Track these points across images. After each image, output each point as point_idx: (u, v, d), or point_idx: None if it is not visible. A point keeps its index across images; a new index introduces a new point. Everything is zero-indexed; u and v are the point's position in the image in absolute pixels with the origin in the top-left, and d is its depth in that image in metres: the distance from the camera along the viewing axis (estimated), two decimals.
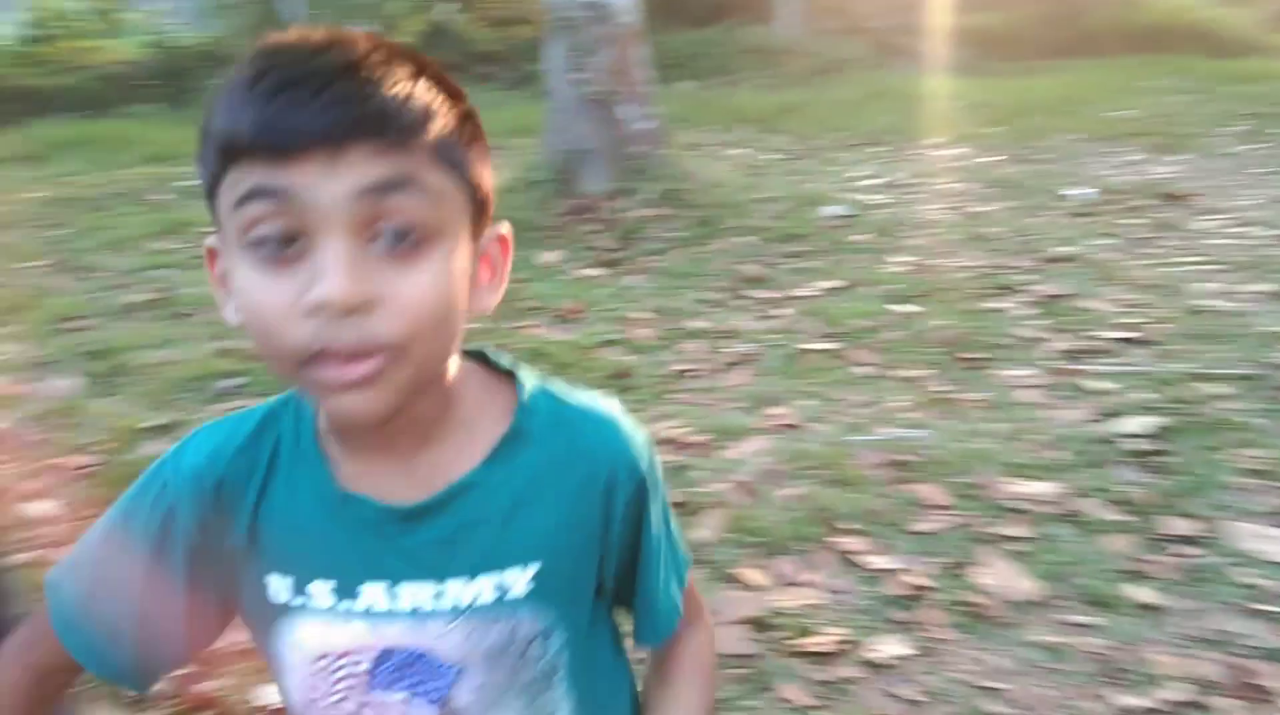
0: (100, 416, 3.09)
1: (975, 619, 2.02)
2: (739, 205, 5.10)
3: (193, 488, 0.72)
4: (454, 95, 0.65)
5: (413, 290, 0.60)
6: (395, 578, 0.71)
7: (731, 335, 3.63)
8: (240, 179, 0.59)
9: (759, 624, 2.02)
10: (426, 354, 0.63)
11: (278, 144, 0.57)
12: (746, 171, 6.19)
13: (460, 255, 0.64)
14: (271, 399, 0.76)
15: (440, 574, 0.71)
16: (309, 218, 0.58)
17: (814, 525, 2.34)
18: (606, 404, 0.78)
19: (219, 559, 0.73)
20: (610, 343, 3.55)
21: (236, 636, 2.00)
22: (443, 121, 0.62)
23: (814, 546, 2.28)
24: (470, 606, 0.71)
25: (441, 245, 0.62)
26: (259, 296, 0.60)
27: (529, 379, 0.77)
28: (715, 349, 3.51)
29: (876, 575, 2.17)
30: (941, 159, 6.65)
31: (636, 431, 0.78)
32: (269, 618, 0.73)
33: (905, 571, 2.17)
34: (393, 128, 0.58)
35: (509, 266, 0.73)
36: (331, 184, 0.57)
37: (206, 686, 1.88)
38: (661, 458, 0.80)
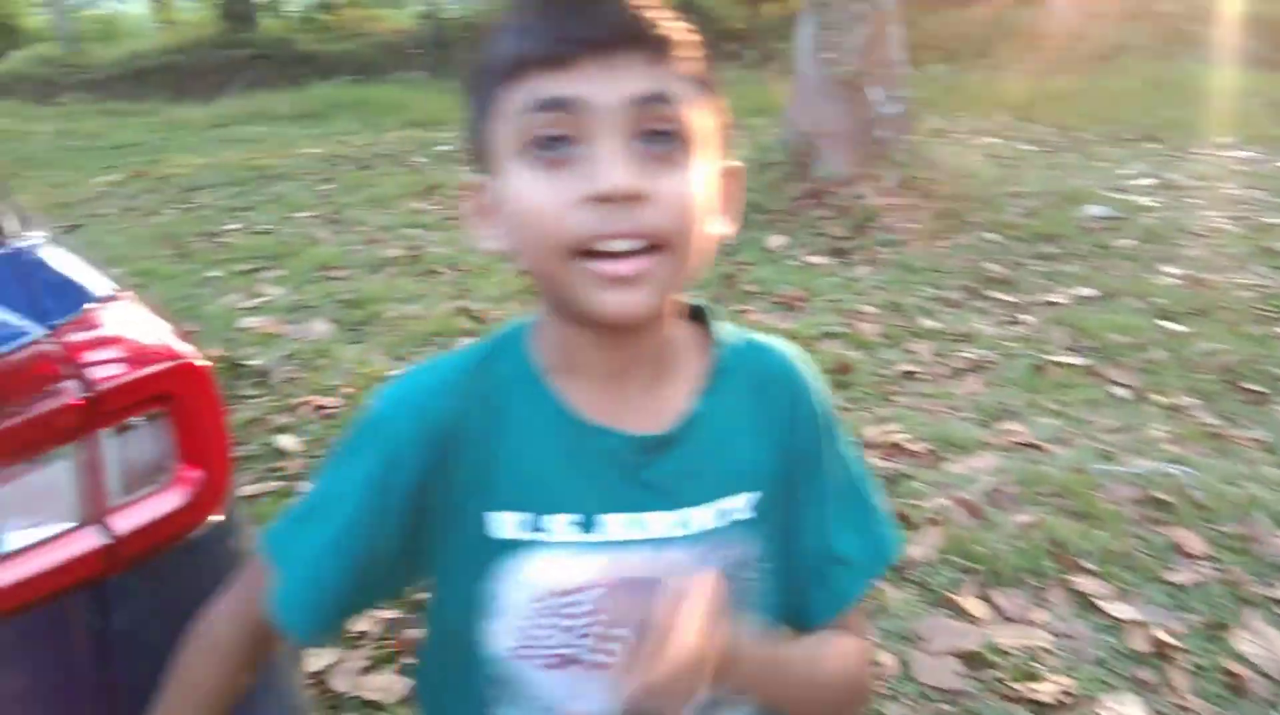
0: (347, 361, 3.31)
1: (1231, 691, 1.76)
2: (988, 198, 4.77)
3: (414, 427, 0.72)
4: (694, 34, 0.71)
5: (678, 187, 0.66)
6: (636, 508, 0.72)
7: (967, 339, 3.39)
8: (523, 91, 0.65)
9: (973, 659, 1.85)
10: (686, 256, 0.68)
11: (561, 54, 0.63)
12: (999, 163, 5.78)
13: (708, 171, 0.69)
14: (479, 341, 0.78)
15: (676, 503, 0.73)
16: (587, 120, 0.64)
17: (1047, 559, 2.12)
18: (786, 345, 0.82)
19: (435, 499, 0.73)
20: (832, 335, 3.41)
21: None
22: (695, 48, 0.69)
23: (1045, 583, 2.07)
24: (703, 532, 0.74)
25: (693, 154, 0.67)
26: (537, 195, 0.65)
27: (714, 314, 0.79)
28: (947, 352, 3.28)
29: (1116, 625, 1.94)
30: (1227, 161, 5.94)
31: (811, 368, 0.81)
32: (486, 557, 0.72)
33: (1151, 625, 1.93)
34: (658, 42, 0.66)
35: (741, 204, 0.75)
36: (609, 90, 0.64)
37: (414, 634, 1.94)
38: (878, 464, 0.75)
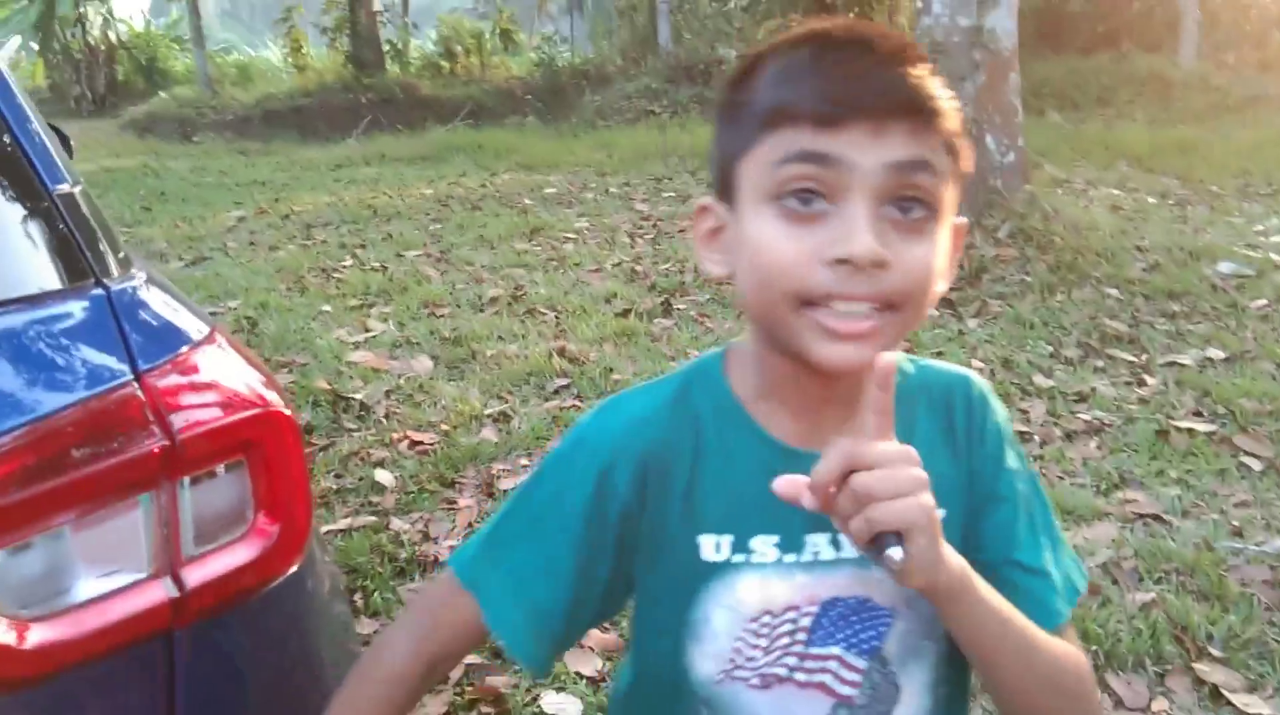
0: (445, 398, 3.35)
1: None
2: (1109, 252, 4.56)
3: (625, 450, 0.74)
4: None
5: (922, 257, 0.68)
6: (835, 530, 0.72)
7: (1083, 399, 3.22)
8: (785, 140, 0.67)
9: None
10: (913, 317, 0.70)
11: (832, 113, 0.65)
12: (1120, 215, 5.54)
13: (945, 236, 0.71)
14: (672, 374, 0.81)
15: None
16: (845, 179, 0.66)
17: (1169, 643, 1.97)
18: (960, 369, 0.83)
19: (643, 524, 0.75)
20: None
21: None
22: (954, 114, 0.69)
23: (1167, 669, 1.91)
24: None
25: (939, 223, 0.70)
26: (780, 244, 0.68)
27: None
28: (1062, 413, 3.12)
29: None
30: None
31: (987, 388, 0.82)
32: (696, 579, 0.75)
33: None
34: (927, 112, 0.67)
35: (959, 257, 0.76)
36: (871, 154, 0.65)
37: (495, 681, 1.92)
38: None
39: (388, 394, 3.40)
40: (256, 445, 0.74)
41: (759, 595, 0.74)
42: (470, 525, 2.54)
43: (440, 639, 0.78)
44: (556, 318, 4.23)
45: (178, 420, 0.69)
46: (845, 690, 0.76)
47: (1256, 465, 2.73)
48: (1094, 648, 1.95)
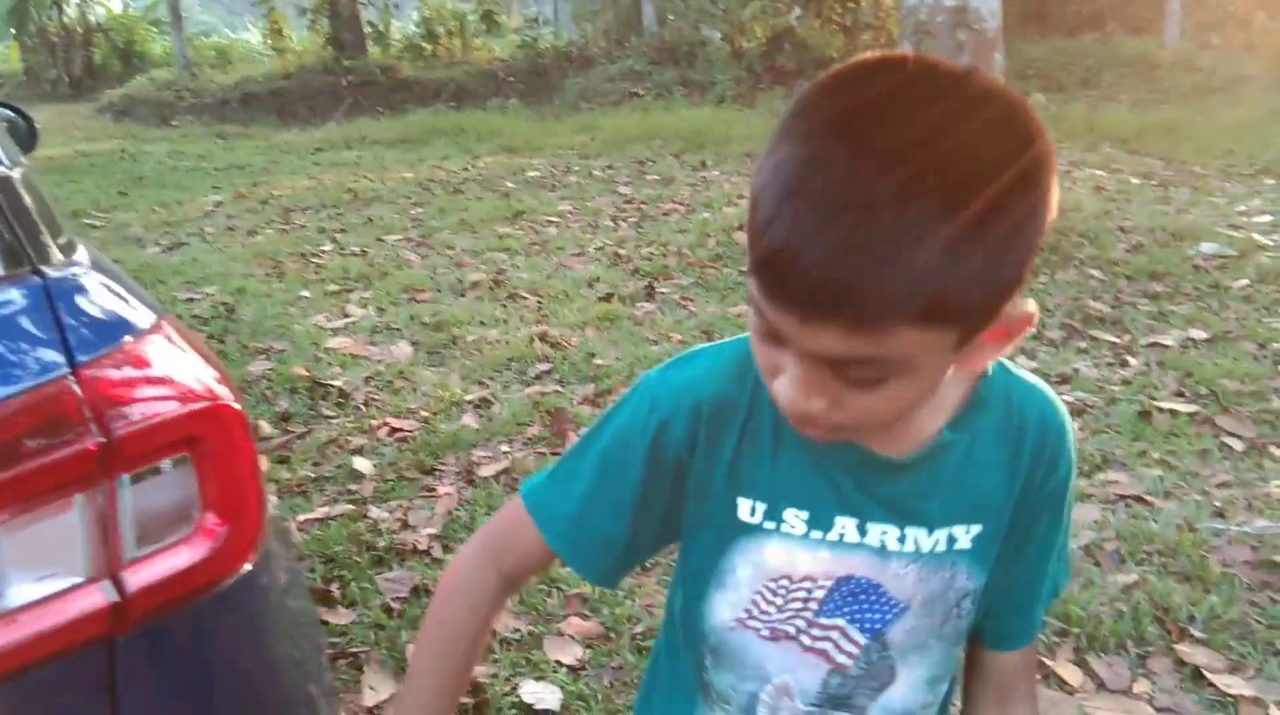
0: (425, 384, 3.31)
1: None
2: (1091, 233, 4.55)
3: (685, 405, 0.77)
4: (1004, 215, 0.58)
5: (867, 406, 0.64)
6: (866, 517, 0.77)
7: (1066, 381, 3.21)
8: (755, 287, 0.62)
9: None
10: (888, 425, 0.70)
11: (768, 287, 0.60)
12: (1104, 196, 5.54)
13: (930, 372, 0.64)
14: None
15: (905, 521, 0.77)
16: (782, 337, 0.62)
17: (1151, 624, 1.97)
18: (1048, 392, 0.81)
19: (695, 475, 0.78)
20: None
21: (514, 623, 1.99)
22: (951, 282, 0.57)
23: (1148, 650, 1.91)
24: (927, 553, 0.78)
25: (907, 377, 0.63)
26: (757, 348, 0.68)
27: None
28: None
29: (1230, 702, 1.78)
30: None
31: (1070, 424, 0.80)
32: (731, 533, 0.79)
33: (1267, 704, 1.76)
34: (872, 312, 0.58)
35: (1023, 336, 0.70)
36: (802, 339, 0.61)
37: (474, 670, 1.89)
38: None
39: (367, 381, 3.36)
40: (203, 441, 0.71)
41: (782, 561, 0.78)
42: (450, 513, 2.51)
43: (510, 562, 0.84)
44: (538, 302, 4.19)
45: (116, 415, 0.66)
46: (842, 659, 0.81)
47: (1238, 445, 2.73)
48: (1076, 630, 1.95)
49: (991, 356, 0.70)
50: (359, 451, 2.86)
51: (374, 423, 3.03)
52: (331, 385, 3.29)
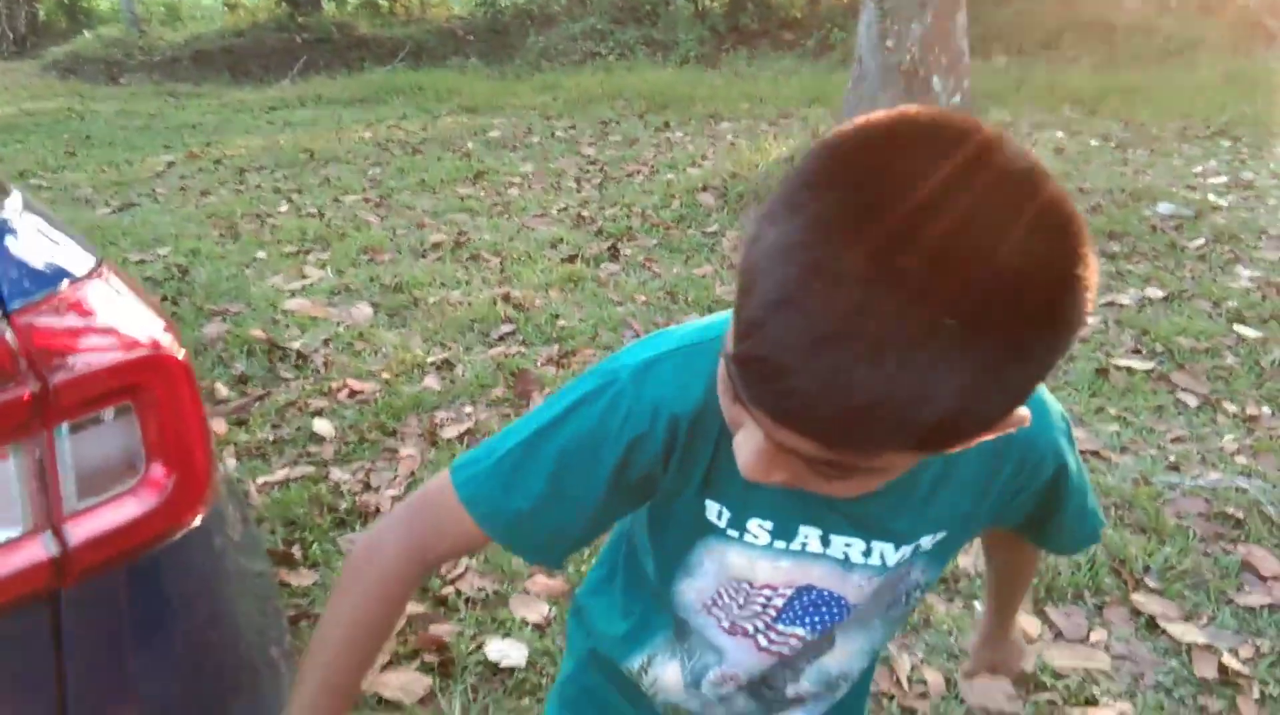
0: (386, 346, 3.27)
1: None
2: None
3: (662, 421, 0.72)
4: (1029, 355, 0.51)
5: (830, 487, 0.61)
6: (830, 530, 0.75)
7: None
8: (730, 361, 0.56)
9: (1027, 679, 1.74)
10: None
11: (743, 384, 0.54)
12: (1064, 158, 5.58)
13: (904, 467, 0.62)
14: (715, 330, 0.74)
15: (872, 536, 0.76)
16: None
17: (1107, 575, 2.00)
18: (1040, 397, 0.77)
19: (668, 476, 0.75)
20: None
21: (480, 582, 1.97)
22: (955, 419, 0.51)
23: (1105, 601, 1.95)
24: (892, 566, 0.78)
25: (879, 474, 0.60)
26: (720, 393, 0.64)
27: None
28: None
29: (1181, 648, 1.82)
30: None
31: (1059, 417, 0.78)
32: (699, 532, 0.78)
33: (1219, 650, 1.80)
34: (856, 446, 0.53)
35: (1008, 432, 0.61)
36: (775, 434, 0.55)
37: (439, 630, 1.89)
38: None
39: (326, 342, 3.31)
40: (145, 389, 0.68)
41: (744, 567, 0.78)
42: (413, 474, 2.48)
43: (440, 547, 0.79)
44: (501, 264, 4.14)
45: (53, 362, 0.63)
46: (789, 652, 0.84)
47: (1193, 401, 2.78)
48: (1035, 582, 1.98)
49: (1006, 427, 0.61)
50: (319, 413, 2.81)
51: (334, 385, 2.98)
52: (289, 348, 3.23)
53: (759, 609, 0.80)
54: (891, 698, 1.72)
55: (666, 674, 0.89)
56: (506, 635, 1.87)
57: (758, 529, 0.76)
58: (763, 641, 0.83)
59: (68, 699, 0.65)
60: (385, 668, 1.78)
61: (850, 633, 0.84)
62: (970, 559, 2.04)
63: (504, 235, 4.53)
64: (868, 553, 0.76)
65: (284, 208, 5.15)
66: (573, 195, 5.28)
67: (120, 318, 0.72)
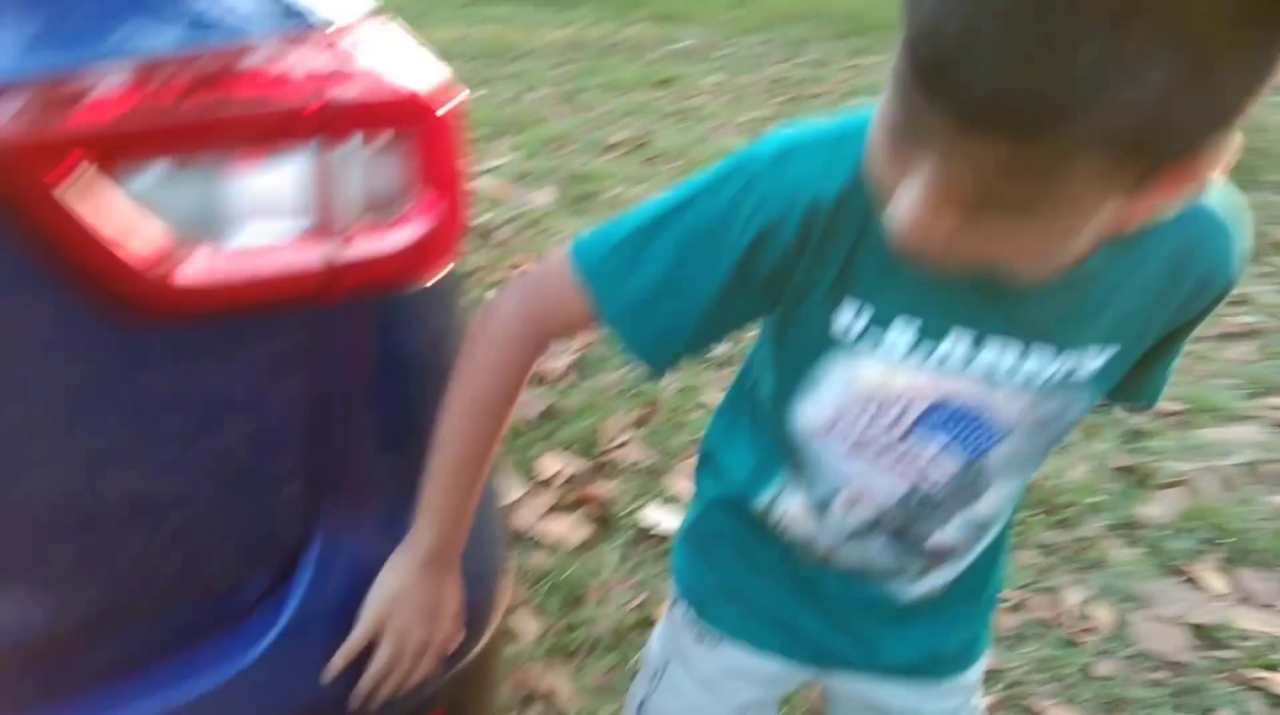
0: (563, 232, 3.31)
1: None
2: (1278, 155, 4.18)
3: (800, 205, 0.66)
4: None
5: (1001, 233, 0.55)
6: (986, 329, 0.67)
7: (1242, 302, 2.99)
8: (904, 62, 0.53)
9: (1205, 634, 1.64)
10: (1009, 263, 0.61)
11: (923, 85, 0.51)
12: None
13: (1088, 207, 0.55)
14: (859, 116, 0.65)
15: (1032, 337, 0.68)
16: (928, 141, 0.53)
17: None
18: (1229, 204, 0.69)
19: (798, 274, 0.69)
20: None
21: (642, 453, 2.00)
22: (1159, 118, 0.47)
23: None
24: (1044, 380, 0.69)
25: (1062, 209, 0.54)
26: (880, 138, 0.58)
27: None
28: (1218, 315, 2.89)
29: None
30: None
31: (1244, 237, 0.70)
32: (823, 346, 0.71)
33: None
34: (1054, 132, 0.48)
35: (1212, 176, 0.58)
36: (955, 146, 0.51)
37: (600, 489, 1.93)
38: (1119, 415, 0.65)
39: (509, 222, 3.38)
40: (423, 124, 0.69)
41: (876, 382, 0.71)
42: (580, 350, 2.52)
43: (553, 324, 0.75)
44: (680, 167, 4.11)
45: (344, 82, 0.65)
46: (933, 479, 0.75)
47: None
48: (1229, 540, 1.85)
49: (1162, 205, 0.56)
50: (493, 286, 2.89)
51: (509, 262, 3.05)
52: (473, 223, 3.32)
53: (889, 423, 0.72)
54: (1052, 626, 1.66)
55: (793, 506, 0.82)
56: (662, 504, 1.89)
57: (900, 331, 0.68)
58: (891, 457, 0.74)
59: (316, 414, 0.68)
60: (546, 515, 1.84)
61: (1004, 477, 0.76)
62: (1160, 511, 1.92)
63: (686, 140, 4.49)
64: (1022, 359, 0.68)
65: (479, 94, 5.26)
66: (756, 109, 5.18)
67: (408, 56, 0.75)
